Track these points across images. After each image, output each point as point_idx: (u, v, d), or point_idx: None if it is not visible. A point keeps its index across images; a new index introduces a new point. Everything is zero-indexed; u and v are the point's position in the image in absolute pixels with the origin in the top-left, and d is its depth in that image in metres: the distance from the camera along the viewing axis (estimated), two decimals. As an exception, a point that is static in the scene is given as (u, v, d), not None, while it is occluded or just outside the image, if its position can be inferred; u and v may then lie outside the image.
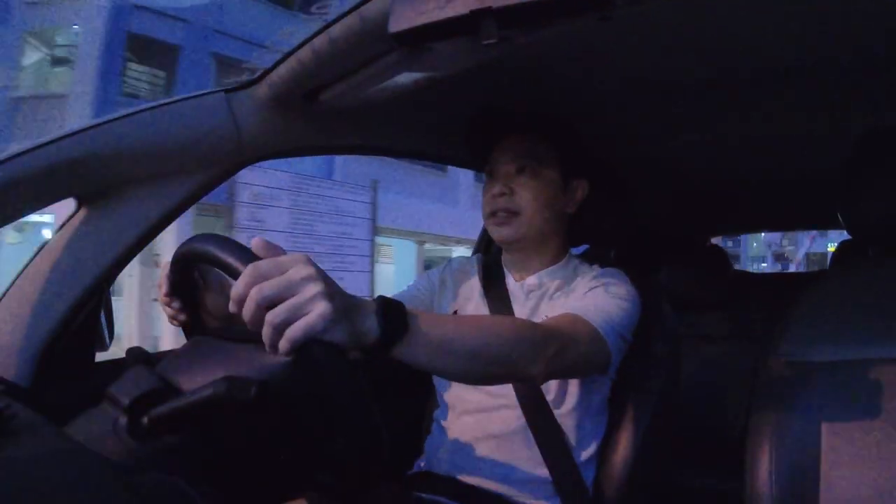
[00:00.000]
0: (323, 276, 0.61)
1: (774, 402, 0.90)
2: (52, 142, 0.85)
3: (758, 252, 27.83)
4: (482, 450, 1.08)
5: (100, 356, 1.04)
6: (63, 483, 0.48)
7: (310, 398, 0.71)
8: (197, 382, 0.67)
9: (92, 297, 0.95)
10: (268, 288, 0.59)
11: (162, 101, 0.95)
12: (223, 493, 0.67)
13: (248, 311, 0.59)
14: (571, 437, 1.08)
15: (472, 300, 1.19)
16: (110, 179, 0.93)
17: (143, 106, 0.94)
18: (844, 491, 0.80)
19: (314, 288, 0.59)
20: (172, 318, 0.86)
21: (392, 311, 0.67)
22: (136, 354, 0.77)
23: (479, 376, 0.87)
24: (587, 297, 1.05)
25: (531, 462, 1.06)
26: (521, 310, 1.13)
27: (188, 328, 0.87)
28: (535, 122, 1.16)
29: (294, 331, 0.58)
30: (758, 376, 0.97)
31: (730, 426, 2.02)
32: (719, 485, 1.81)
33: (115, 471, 0.54)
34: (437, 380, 1.21)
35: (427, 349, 0.71)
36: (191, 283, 0.86)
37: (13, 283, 0.94)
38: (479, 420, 1.10)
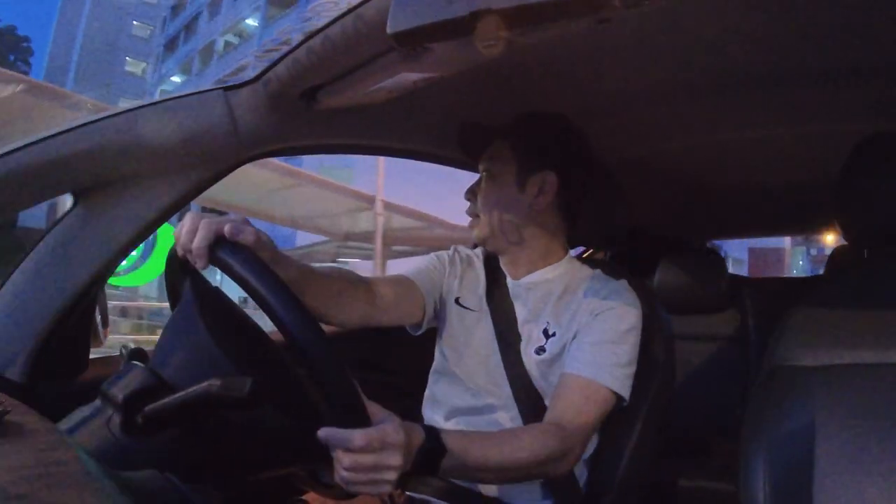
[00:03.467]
0: (406, 460, 0.73)
1: (769, 405, 0.90)
2: (49, 137, 0.85)
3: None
4: None
5: (94, 352, 1.04)
6: (55, 481, 0.48)
7: (308, 401, 0.72)
8: (191, 379, 0.67)
9: (87, 294, 0.95)
10: (360, 464, 0.69)
11: (160, 99, 0.95)
12: (217, 490, 0.67)
13: (341, 468, 0.70)
14: None
15: (474, 293, 1.18)
16: (107, 176, 0.92)
17: (142, 103, 0.94)
18: (839, 495, 0.80)
19: (391, 475, 0.71)
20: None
21: (426, 458, 0.78)
22: (130, 351, 0.77)
23: (511, 483, 1.01)
24: (596, 335, 1.05)
25: None
26: (522, 308, 1.13)
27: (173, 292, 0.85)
28: (504, 127, 1.17)
29: (353, 489, 0.71)
30: (752, 379, 0.97)
31: (723, 428, 2.02)
32: (713, 486, 1.82)
33: (109, 468, 0.54)
34: (430, 381, 1.20)
35: (457, 475, 0.88)
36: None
37: (8, 278, 0.94)
38: (471, 422, 1.10)
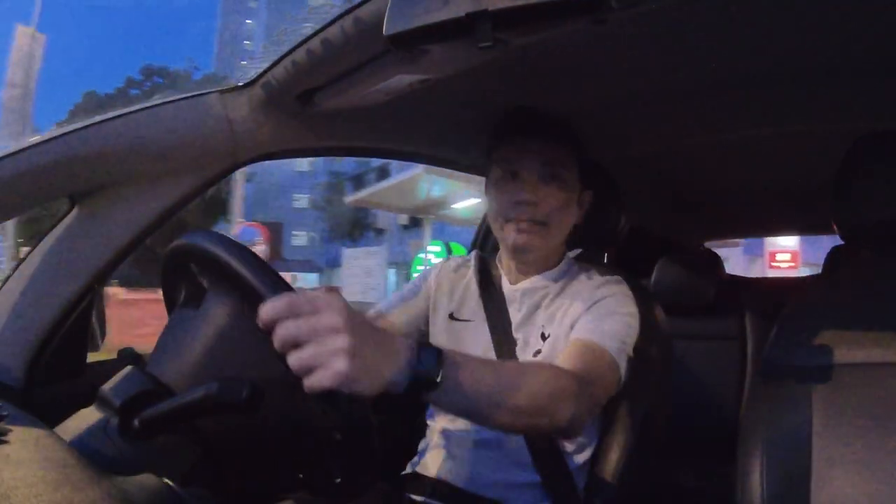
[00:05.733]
0: (352, 326, 0.59)
1: (767, 405, 0.90)
2: (47, 141, 0.85)
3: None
4: (474, 454, 1.07)
5: (91, 357, 1.03)
6: (53, 485, 0.48)
7: (305, 407, 0.71)
8: (189, 383, 0.66)
9: (84, 298, 0.94)
10: (293, 328, 0.59)
11: (157, 102, 0.95)
12: (214, 495, 0.67)
13: (275, 342, 0.59)
14: (565, 442, 1.07)
15: (467, 303, 1.18)
16: (104, 179, 0.92)
17: (139, 106, 0.93)
18: (836, 494, 0.80)
19: (338, 342, 0.58)
20: None
21: (425, 364, 0.66)
22: (127, 355, 0.77)
23: (513, 428, 0.88)
24: (595, 313, 1.03)
25: (522, 466, 1.06)
26: (516, 313, 1.12)
27: (169, 296, 0.85)
28: (560, 126, 1.11)
29: (311, 381, 0.58)
30: (749, 379, 0.97)
31: (721, 428, 2.02)
32: (710, 486, 1.82)
33: (106, 472, 0.54)
34: None
35: (459, 400, 0.72)
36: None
37: (5, 283, 0.94)
38: (472, 424, 1.09)
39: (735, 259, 11.29)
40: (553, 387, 0.83)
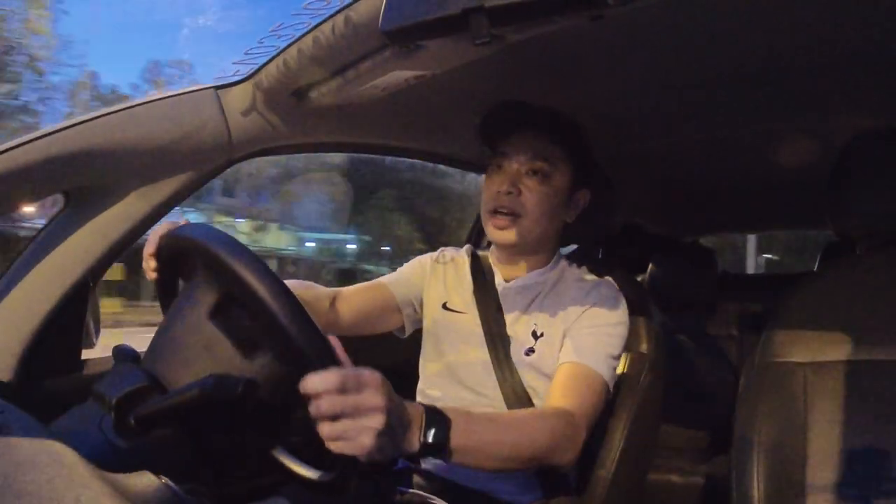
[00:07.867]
0: (389, 406, 0.66)
1: (761, 400, 0.91)
2: (41, 136, 0.84)
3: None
4: None
5: (86, 353, 1.03)
6: (47, 482, 0.48)
7: (297, 401, 0.71)
8: (184, 380, 0.66)
9: (79, 294, 0.94)
10: (338, 404, 0.63)
11: (152, 98, 0.94)
12: (210, 491, 0.67)
13: (313, 409, 0.64)
14: None
15: (460, 294, 1.18)
16: (99, 175, 0.92)
17: (133, 102, 0.93)
18: (828, 488, 0.81)
19: (373, 422, 0.64)
20: (149, 271, 0.85)
21: (435, 437, 0.74)
22: (122, 352, 0.76)
23: (516, 470, 0.95)
24: (587, 326, 1.04)
25: None
26: (510, 309, 1.12)
27: (163, 291, 0.85)
28: (554, 122, 1.11)
29: (337, 448, 0.64)
30: (744, 375, 0.98)
31: (715, 424, 2.03)
32: (705, 481, 1.82)
33: (101, 470, 0.54)
34: (421, 382, 1.20)
35: (466, 460, 0.80)
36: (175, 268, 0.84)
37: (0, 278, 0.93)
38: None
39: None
40: (554, 434, 0.90)
